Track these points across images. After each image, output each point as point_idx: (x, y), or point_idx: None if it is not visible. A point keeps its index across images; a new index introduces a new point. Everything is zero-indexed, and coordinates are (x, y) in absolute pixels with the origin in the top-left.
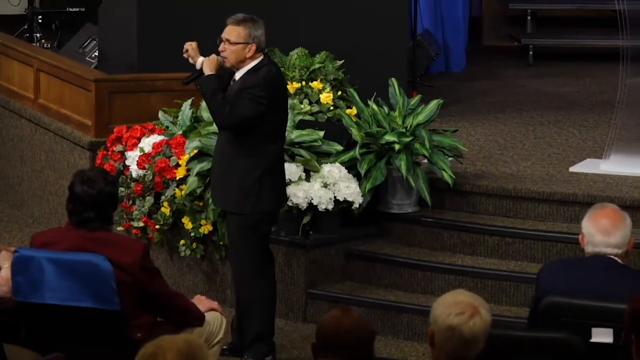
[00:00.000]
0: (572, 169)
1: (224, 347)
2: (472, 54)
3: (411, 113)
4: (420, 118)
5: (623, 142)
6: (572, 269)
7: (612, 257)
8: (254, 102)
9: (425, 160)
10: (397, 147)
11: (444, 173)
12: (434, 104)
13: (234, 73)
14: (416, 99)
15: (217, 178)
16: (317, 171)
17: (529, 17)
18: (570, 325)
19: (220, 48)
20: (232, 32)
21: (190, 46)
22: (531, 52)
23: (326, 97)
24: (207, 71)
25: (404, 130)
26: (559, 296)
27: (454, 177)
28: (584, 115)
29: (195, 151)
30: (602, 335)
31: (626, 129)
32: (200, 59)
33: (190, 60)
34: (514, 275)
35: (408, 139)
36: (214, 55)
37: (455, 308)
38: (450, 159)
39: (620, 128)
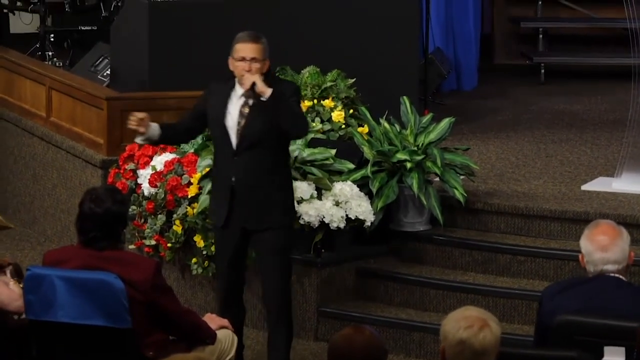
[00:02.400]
0: (584, 187)
1: None
2: (483, 72)
3: (423, 131)
4: (432, 136)
5: (635, 160)
6: (576, 289)
7: (616, 275)
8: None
9: (437, 179)
10: (408, 165)
11: (455, 191)
12: (445, 122)
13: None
14: (428, 117)
15: (249, 196)
16: (328, 189)
17: (540, 36)
18: (582, 344)
19: (246, 68)
20: (255, 50)
21: (135, 117)
22: (543, 71)
23: (338, 116)
24: (267, 88)
25: (415, 148)
26: (571, 314)
27: (465, 195)
28: (595, 134)
29: (207, 169)
30: (614, 354)
31: (638, 147)
32: (259, 84)
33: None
34: (525, 294)
35: (420, 157)
36: (251, 76)
37: (465, 322)
38: (462, 177)
39: (632, 146)
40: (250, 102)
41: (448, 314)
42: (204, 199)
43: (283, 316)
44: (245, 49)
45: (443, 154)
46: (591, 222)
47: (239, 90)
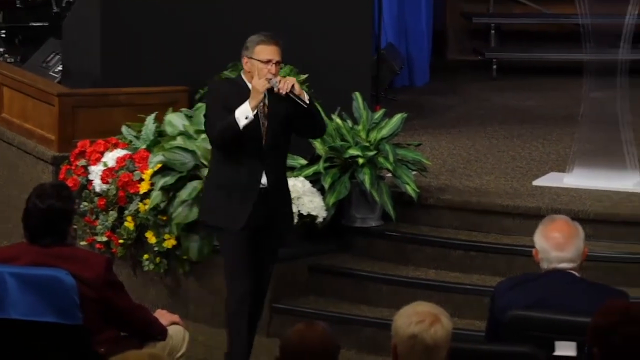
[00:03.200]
0: (536, 182)
1: None
2: (435, 68)
3: (375, 127)
4: (384, 132)
5: (586, 156)
6: (529, 285)
7: (569, 271)
8: None
9: (389, 174)
10: (361, 161)
11: (407, 187)
12: (397, 118)
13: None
14: (380, 113)
15: (275, 197)
16: None
17: (492, 31)
18: (534, 339)
19: (272, 70)
20: (278, 52)
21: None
22: (495, 66)
23: None
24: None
25: (367, 144)
26: (524, 310)
27: (418, 190)
28: (547, 129)
29: (159, 165)
30: (565, 349)
31: (589, 143)
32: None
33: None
34: (477, 289)
35: (372, 153)
36: (290, 79)
37: (416, 317)
38: (414, 172)
39: (583, 142)
40: (267, 102)
41: (400, 310)
42: (156, 195)
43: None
44: (270, 51)
45: (395, 150)
46: (545, 217)
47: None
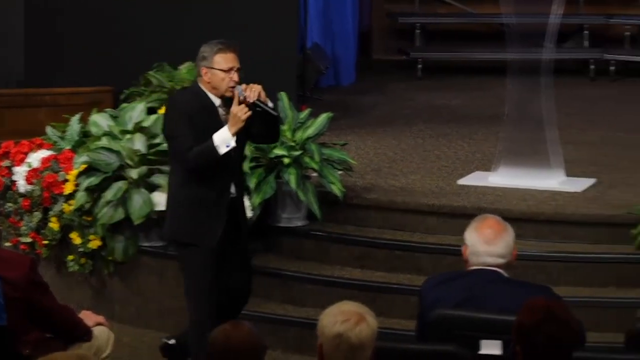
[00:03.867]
0: (461, 181)
1: None
2: (361, 68)
3: (301, 127)
4: (310, 132)
5: (511, 155)
6: (456, 282)
7: (496, 269)
8: None
9: (315, 174)
10: (286, 160)
11: (333, 186)
12: (323, 117)
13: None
14: (306, 112)
15: (240, 208)
16: None
17: (417, 31)
18: (459, 338)
19: (235, 78)
20: (237, 59)
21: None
22: (420, 66)
23: None
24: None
25: (293, 144)
26: (448, 309)
27: (343, 190)
28: (472, 128)
29: (84, 166)
30: (490, 347)
31: (513, 142)
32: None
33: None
34: (403, 288)
35: (297, 153)
36: (256, 86)
37: (341, 316)
38: (339, 172)
39: (508, 141)
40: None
41: (326, 309)
42: (81, 196)
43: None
44: (230, 59)
45: (321, 150)
46: (477, 216)
47: (217, 101)
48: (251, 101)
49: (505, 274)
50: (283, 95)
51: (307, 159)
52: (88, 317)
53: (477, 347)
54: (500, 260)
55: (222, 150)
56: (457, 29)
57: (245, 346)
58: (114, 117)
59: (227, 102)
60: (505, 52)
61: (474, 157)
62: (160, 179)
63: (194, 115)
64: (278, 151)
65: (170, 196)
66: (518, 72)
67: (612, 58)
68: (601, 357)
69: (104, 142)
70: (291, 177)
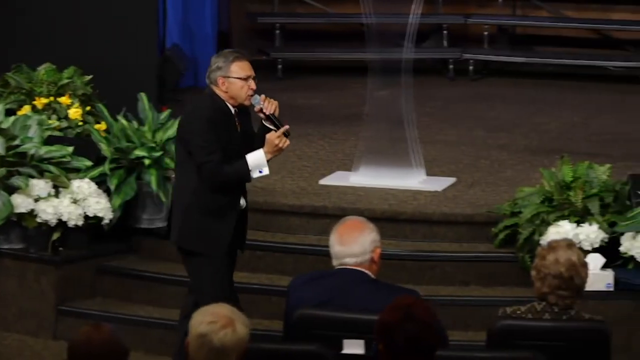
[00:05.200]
0: (322, 181)
1: None
2: None
3: (161, 128)
4: (170, 132)
5: (372, 154)
6: (321, 282)
7: (360, 270)
8: None
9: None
10: (147, 162)
11: None
12: None
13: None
14: (166, 113)
15: (246, 219)
16: (66, 187)
17: (277, 31)
18: (323, 338)
19: (254, 87)
20: (252, 67)
21: None
22: (280, 66)
23: (75, 113)
24: None
25: (154, 144)
26: (311, 309)
27: None
28: (333, 128)
29: None
30: (353, 347)
31: (374, 141)
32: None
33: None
34: (265, 288)
35: (158, 154)
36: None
37: (210, 317)
38: None
39: (369, 140)
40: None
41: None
42: None
43: None
44: (247, 67)
45: None
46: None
47: (232, 110)
48: (267, 113)
49: (372, 275)
50: (143, 96)
51: (167, 160)
52: None
53: (340, 347)
54: (356, 260)
55: (255, 175)
56: (316, 28)
57: (106, 348)
58: None
59: (241, 111)
60: (365, 52)
61: (335, 157)
62: (19, 181)
63: (217, 130)
64: (139, 152)
65: (180, 202)
66: (378, 71)
67: (471, 57)
68: (463, 356)
69: None
70: (152, 178)
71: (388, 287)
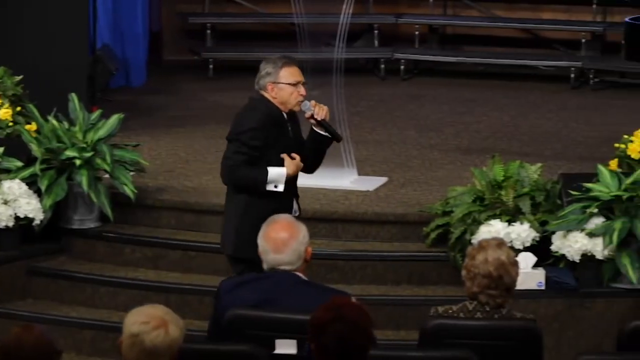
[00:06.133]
0: None
1: None
2: (152, 69)
3: (92, 128)
4: (101, 133)
5: None
6: (254, 284)
7: (294, 272)
8: None
9: (107, 175)
10: (78, 162)
11: (125, 187)
12: (114, 118)
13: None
14: (97, 113)
15: None
16: None
17: (208, 31)
18: (255, 338)
19: (303, 92)
20: (301, 74)
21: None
22: (211, 66)
23: (5, 113)
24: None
25: (84, 145)
26: (243, 309)
27: (135, 191)
28: None
29: None
30: (285, 347)
31: None
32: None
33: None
34: (197, 289)
35: (89, 154)
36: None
37: (143, 317)
38: (132, 173)
39: None
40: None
41: (136, 307)
42: None
43: None
44: (297, 72)
45: (112, 151)
46: (269, 217)
47: (284, 116)
48: (319, 119)
49: (304, 277)
50: (73, 97)
51: (98, 161)
52: None
53: (273, 347)
54: (290, 267)
55: (270, 187)
56: (247, 28)
57: (36, 350)
58: None
59: (290, 117)
60: (297, 52)
61: None
62: None
63: (269, 128)
64: (69, 153)
65: (234, 211)
66: (309, 71)
67: (402, 57)
68: (395, 355)
69: None
70: (83, 179)
71: (321, 289)
